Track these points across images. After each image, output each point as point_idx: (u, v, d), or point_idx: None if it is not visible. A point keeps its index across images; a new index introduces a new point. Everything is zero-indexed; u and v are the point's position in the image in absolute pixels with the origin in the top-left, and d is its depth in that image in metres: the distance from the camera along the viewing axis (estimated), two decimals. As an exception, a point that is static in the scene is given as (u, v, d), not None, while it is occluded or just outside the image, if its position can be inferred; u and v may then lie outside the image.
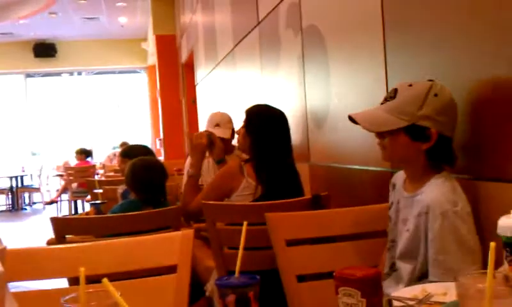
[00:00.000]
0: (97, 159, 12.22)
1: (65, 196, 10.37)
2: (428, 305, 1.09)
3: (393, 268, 1.63)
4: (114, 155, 10.56)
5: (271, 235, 1.74)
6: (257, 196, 2.50)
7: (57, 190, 11.00)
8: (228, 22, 5.35)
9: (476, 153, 1.65)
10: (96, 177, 7.74)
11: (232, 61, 5.27)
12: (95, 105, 15.23)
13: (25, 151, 14.60)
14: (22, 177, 11.78)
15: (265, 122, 2.61)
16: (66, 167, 9.87)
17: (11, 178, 11.41)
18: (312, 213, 1.94)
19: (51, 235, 2.33)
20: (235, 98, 5.29)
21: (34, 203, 12.11)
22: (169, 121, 10.41)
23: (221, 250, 2.38)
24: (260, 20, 4.08)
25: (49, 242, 2.45)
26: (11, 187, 11.43)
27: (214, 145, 3.07)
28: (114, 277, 1.28)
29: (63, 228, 2.32)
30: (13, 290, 1.25)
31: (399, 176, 1.70)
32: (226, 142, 3.43)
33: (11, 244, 1.21)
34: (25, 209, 11.76)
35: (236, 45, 5.01)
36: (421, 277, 1.51)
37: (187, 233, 1.50)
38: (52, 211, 10.40)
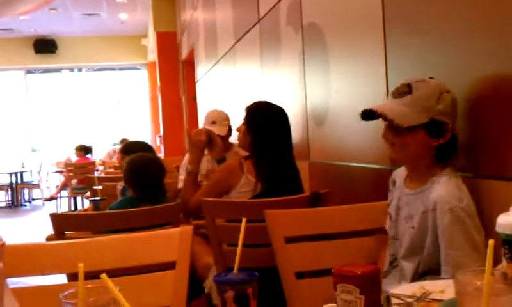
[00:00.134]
0: (97, 156, 12.22)
1: (65, 193, 10.37)
2: (426, 302, 1.09)
3: (393, 265, 1.63)
4: (114, 151, 10.56)
5: (270, 232, 1.74)
6: (257, 193, 2.50)
7: (57, 187, 11.01)
8: (229, 19, 5.35)
9: (477, 151, 1.65)
10: (96, 174, 7.75)
11: (233, 58, 5.27)
12: (95, 101, 15.22)
13: (25, 148, 14.61)
14: (21, 173, 11.78)
15: (266, 119, 2.61)
16: (66, 164, 9.87)
17: (10, 174, 11.41)
18: (311, 210, 1.94)
19: (50, 231, 2.33)
20: (235, 95, 5.29)
21: (34, 199, 12.11)
22: (169, 118, 10.40)
23: (220, 247, 2.39)
24: (260, 17, 4.07)
25: (49, 238, 2.45)
26: (11, 183, 11.44)
27: (213, 143, 3.07)
28: (113, 273, 1.28)
29: (62, 224, 2.32)
30: (12, 286, 1.25)
31: (399, 173, 1.70)
32: (223, 139, 3.44)
33: (10, 239, 1.21)
34: (25, 205, 11.76)
35: (237, 42, 5.01)
36: (424, 274, 1.51)
37: (186, 229, 1.50)
38: (52, 207, 10.40)
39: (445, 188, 1.48)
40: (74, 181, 9.44)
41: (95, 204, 2.98)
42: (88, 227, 2.46)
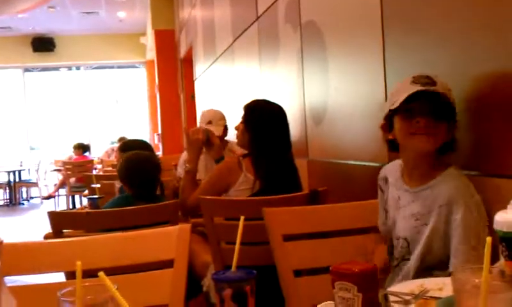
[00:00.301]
0: (95, 154, 12.21)
1: (63, 191, 10.36)
2: (424, 300, 1.09)
3: (398, 262, 1.61)
4: (112, 149, 10.55)
5: (268, 230, 1.74)
6: (255, 191, 2.50)
7: (55, 185, 11.00)
8: (227, 16, 5.34)
9: (479, 149, 1.64)
10: (94, 172, 7.73)
11: (231, 56, 5.27)
12: (94, 99, 15.20)
13: (23, 146, 14.59)
14: (20, 172, 11.76)
15: (264, 117, 2.61)
16: (64, 162, 9.86)
17: (9, 172, 11.40)
18: (309, 208, 1.94)
19: (49, 229, 2.33)
20: (233, 93, 5.29)
21: (32, 197, 12.10)
22: (167, 116, 10.40)
23: (219, 245, 2.39)
24: (259, 15, 4.07)
25: (46, 237, 2.45)
26: (9, 182, 11.42)
27: (211, 143, 3.08)
28: (111, 271, 1.28)
29: (60, 222, 2.32)
30: (10, 285, 1.25)
31: (390, 170, 1.69)
32: (219, 138, 3.45)
33: (8, 238, 1.21)
34: (23, 204, 11.75)
35: (235, 40, 5.00)
36: (428, 268, 1.50)
37: (184, 227, 1.50)
38: (50, 206, 10.39)
39: (456, 184, 1.48)
40: (72, 179, 9.42)
41: (93, 203, 2.97)
42: (86, 225, 2.46)
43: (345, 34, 2.61)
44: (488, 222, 1.44)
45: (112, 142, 12.57)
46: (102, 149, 12.42)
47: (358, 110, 2.50)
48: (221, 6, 5.76)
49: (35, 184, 11.58)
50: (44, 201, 11.21)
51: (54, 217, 2.29)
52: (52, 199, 10.79)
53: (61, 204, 10.49)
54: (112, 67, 15.35)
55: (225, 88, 5.75)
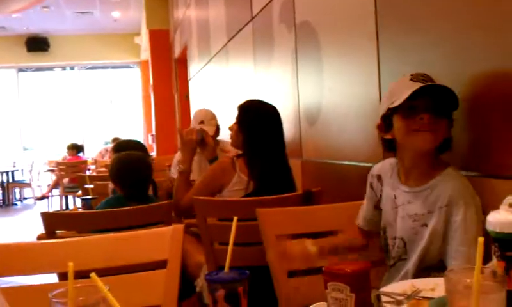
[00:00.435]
0: (89, 154, 12.18)
1: (56, 192, 10.33)
2: (416, 300, 1.09)
3: (395, 262, 1.60)
4: (106, 150, 10.53)
5: (262, 231, 1.74)
6: (249, 191, 2.50)
7: (49, 186, 10.96)
8: (222, 17, 5.34)
9: (473, 149, 1.64)
10: (87, 172, 7.72)
11: (225, 57, 5.26)
12: (88, 100, 15.16)
13: (16, 146, 14.53)
14: (13, 172, 11.72)
15: (258, 117, 2.61)
16: (58, 162, 9.83)
17: (2, 173, 11.35)
18: (303, 208, 1.95)
19: (42, 230, 2.32)
20: (228, 94, 5.29)
21: (25, 198, 12.06)
22: (161, 117, 10.38)
23: (212, 245, 2.38)
24: (253, 15, 4.07)
25: (39, 237, 2.44)
26: (2, 182, 11.38)
27: (205, 143, 3.08)
28: (104, 272, 1.28)
29: (53, 223, 2.31)
30: (3, 286, 1.25)
31: (384, 169, 1.68)
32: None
33: (1, 239, 1.20)
34: (16, 204, 11.71)
35: (229, 40, 5.00)
36: (426, 269, 1.50)
37: (177, 228, 1.50)
38: (43, 206, 10.35)
39: (457, 185, 1.47)
40: (66, 180, 9.40)
41: (86, 203, 2.96)
42: (79, 226, 2.45)
43: (339, 35, 2.62)
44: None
45: (106, 143, 12.54)
46: (96, 149, 12.40)
47: (352, 111, 2.50)
48: (215, 6, 5.76)
49: (28, 185, 11.54)
50: (37, 201, 11.17)
51: (47, 217, 2.28)
52: (46, 200, 10.75)
53: (54, 204, 10.46)
54: (106, 67, 15.32)
55: (220, 88, 5.75)
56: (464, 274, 0.82)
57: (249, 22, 4.20)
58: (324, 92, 2.80)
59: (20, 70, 14.70)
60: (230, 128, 2.73)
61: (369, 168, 2.22)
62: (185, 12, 8.04)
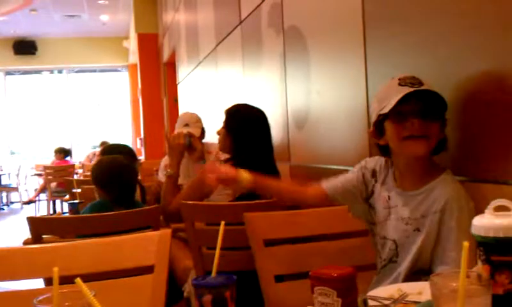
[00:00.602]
0: (77, 158, 12.11)
1: (44, 196, 10.26)
2: (403, 304, 1.10)
3: (385, 264, 1.60)
4: (94, 154, 10.46)
5: (249, 235, 1.74)
6: (237, 196, 2.50)
7: (36, 190, 10.89)
8: (211, 20, 5.34)
9: (463, 153, 1.64)
10: (75, 176, 7.67)
11: (214, 60, 5.26)
12: (76, 103, 15.09)
13: (3, 150, 14.42)
14: (0, 176, 11.63)
15: (245, 121, 2.61)
16: (45, 167, 9.77)
17: (-12, 177, 11.27)
18: (291, 213, 1.94)
19: (29, 234, 2.30)
20: (217, 98, 5.28)
21: (12, 202, 11.96)
22: (150, 121, 10.35)
23: (200, 250, 2.38)
24: (242, 19, 4.08)
25: (26, 242, 2.42)
26: (-11, 186, 11.30)
27: (193, 147, 3.07)
28: (91, 277, 1.27)
29: (40, 227, 2.29)
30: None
31: (378, 165, 1.66)
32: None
33: (-15, 243, 1.19)
34: (3, 209, 11.61)
35: (218, 44, 5.00)
36: (416, 272, 1.50)
37: (165, 233, 1.49)
38: (30, 211, 10.28)
39: (451, 191, 1.47)
40: (53, 184, 9.33)
41: (74, 208, 2.94)
42: (66, 230, 2.43)
43: (327, 39, 2.62)
44: None
45: (94, 147, 12.49)
46: (84, 153, 12.33)
47: (340, 114, 2.51)
48: (204, 10, 5.76)
49: (15, 189, 11.46)
50: (24, 206, 11.09)
51: (33, 222, 2.26)
52: (33, 204, 10.67)
53: (41, 209, 10.38)
54: (94, 71, 15.26)
55: (209, 92, 5.75)
56: (450, 278, 0.83)
57: (237, 26, 4.20)
58: (312, 96, 2.80)
59: (8, 73, 14.60)
60: (218, 133, 2.72)
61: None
62: (174, 16, 8.03)
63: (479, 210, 1.46)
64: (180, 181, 2.88)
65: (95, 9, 11.68)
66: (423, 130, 1.47)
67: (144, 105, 10.62)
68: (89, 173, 6.63)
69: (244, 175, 1.85)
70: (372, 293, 1.16)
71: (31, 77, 15.01)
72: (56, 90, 15.07)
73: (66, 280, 0.92)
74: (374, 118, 1.59)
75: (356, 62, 2.26)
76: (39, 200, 10.52)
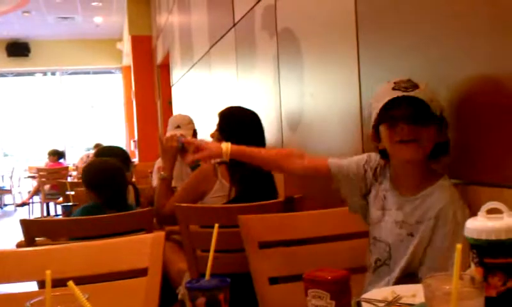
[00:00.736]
0: (70, 161, 12.08)
1: (37, 198, 10.22)
2: (397, 306, 1.10)
3: (377, 265, 1.60)
4: (88, 156, 10.44)
5: (244, 237, 1.74)
6: (231, 198, 2.50)
7: (29, 192, 10.84)
8: (204, 23, 5.34)
9: (457, 156, 1.63)
10: (69, 179, 7.65)
11: (208, 63, 5.26)
12: (69, 106, 15.04)
13: (-4, 152, 14.38)
14: (-7, 178, 11.60)
15: (238, 124, 2.61)
16: (39, 169, 9.73)
17: (-18, 179, 11.22)
18: (285, 215, 1.95)
19: (22, 237, 2.29)
20: (211, 100, 5.28)
21: (5, 205, 11.90)
22: (144, 123, 10.33)
23: (194, 253, 2.37)
24: (235, 22, 4.08)
25: (19, 245, 2.41)
26: (-18, 189, 11.25)
27: (186, 150, 3.06)
28: (84, 280, 1.27)
29: (33, 230, 2.29)
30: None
31: (380, 165, 1.65)
32: None
33: (-22, 246, 1.19)
34: (-4, 211, 11.58)
35: (212, 47, 5.00)
36: (408, 275, 1.49)
37: (158, 235, 1.49)
38: (24, 213, 10.23)
39: (449, 197, 1.46)
40: (47, 186, 9.30)
41: (67, 210, 2.93)
42: (59, 233, 2.42)
43: (320, 41, 2.63)
44: None
45: (88, 149, 12.45)
46: (77, 156, 12.30)
47: (334, 117, 2.52)
48: (198, 12, 5.75)
49: (9, 191, 11.41)
50: (18, 208, 11.04)
51: (26, 225, 2.25)
52: (26, 207, 10.63)
53: (35, 211, 10.34)
54: (88, 73, 15.22)
55: (202, 95, 5.74)
56: (443, 281, 0.83)
57: (231, 28, 4.20)
58: (306, 98, 2.81)
59: (0, 75, 14.54)
60: (212, 135, 2.72)
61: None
62: (168, 18, 8.02)
63: (475, 214, 1.47)
64: (173, 183, 2.87)
65: (89, 11, 11.65)
66: (413, 135, 1.46)
67: (138, 107, 10.60)
68: (82, 176, 6.59)
69: (225, 146, 1.84)
70: (366, 295, 1.16)
71: (24, 79, 14.95)
72: (49, 92, 15.01)
73: (60, 283, 0.92)
74: (372, 121, 1.58)
75: (349, 65, 2.27)
76: (32, 202, 10.48)
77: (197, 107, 5.97)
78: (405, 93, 1.45)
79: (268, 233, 1.80)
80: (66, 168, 9.66)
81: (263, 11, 3.44)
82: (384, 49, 2.03)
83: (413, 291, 1.16)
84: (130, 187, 3.05)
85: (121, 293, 1.45)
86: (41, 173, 9.40)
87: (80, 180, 5.32)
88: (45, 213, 9.38)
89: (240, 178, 2.52)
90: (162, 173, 2.75)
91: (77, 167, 9.64)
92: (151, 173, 4.71)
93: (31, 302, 0.86)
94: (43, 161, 11.16)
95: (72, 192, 3.48)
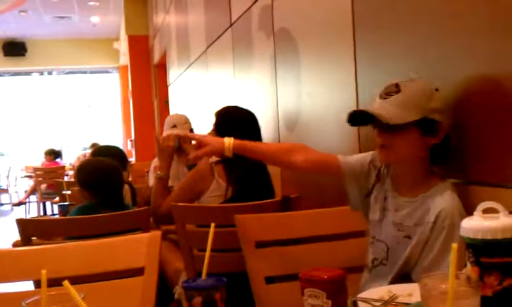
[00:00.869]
0: (67, 160, 12.06)
1: (34, 198, 10.21)
2: (393, 306, 1.10)
3: (374, 264, 1.60)
4: (84, 156, 10.42)
5: (240, 237, 1.74)
6: (228, 198, 2.50)
7: (26, 192, 10.83)
8: (201, 23, 5.34)
9: (456, 155, 1.64)
10: (65, 178, 7.64)
11: (205, 62, 5.26)
12: (66, 105, 15.01)
13: (-7, 152, 14.35)
14: (-11, 178, 11.57)
15: (235, 124, 2.61)
16: (35, 168, 9.72)
17: (-22, 178, 11.20)
18: (281, 215, 1.95)
19: (18, 237, 2.28)
20: (208, 100, 5.28)
21: (2, 204, 11.88)
22: (140, 122, 10.32)
23: (191, 252, 2.37)
24: (232, 21, 4.08)
25: (15, 244, 2.41)
26: (-21, 188, 11.23)
27: (182, 149, 3.07)
28: (80, 279, 1.27)
29: (29, 229, 2.28)
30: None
31: (383, 166, 1.65)
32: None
33: (-26, 246, 1.19)
34: (-7, 210, 11.55)
35: (209, 46, 5.00)
36: (403, 276, 1.49)
37: (155, 234, 1.49)
38: (21, 212, 10.21)
39: (448, 201, 1.45)
40: (43, 186, 9.29)
41: (63, 210, 2.93)
42: (55, 233, 2.42)
43: (317, 41, 2.63)
44: None
45: (85, 149, 12.44)
46: (74, 155, 12.28)
47: (331, 117, 2.52)
48: (195, 12, 5.75)
49: (5, 190, 11.39)
50: (14, 207, 11.02)
51: (22, 224, 2.25)
52: (23, 206, 10.61)
53: (32, 211, 10.32)
54: (85, 72, 15.19)
55: (199, 94, 5.74)
56: (439, 280, 0.83)
57: (228, 28, 4.20)
58: (303, 98, 2.81)
59: (-3, 74, 14.51)
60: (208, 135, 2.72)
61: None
62: (165, 18, 8.02)
63: (469, 213, 1.47)
64: (170, 183, 2.87)
65: (85, 10, 11.63)
66: (383, 141, 1.52)
67: (134, 106, 10.58)
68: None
69: (228, 141, 1.83)
70: (362, 294, 1.16)
71: (21, 78, 14.91)
72: (46, 92, 14.98)
73: (56, 282, 0.92)
74: None
75: (346, 64, 2.27)
76: (29, 202, 10.47)
77: (194, 107, 5.97)
78: (367, 108, 1.51)
79: (264, 232, 1.80)
80: (63, 167, 9.65)
81: (260, 11, 3.44)
82: (381, 49, 2.03)
83: (409, 291, 1.16)
84: (127, 187, 3.05)
85: (118, 293, 1.45)
86: (37, 173, 9.39)
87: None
88: (41, 213, 9.37)
89: (237, 178, 2.52)
90: (158, 172, 2.75)
91: (73, 166, 9.62)
92: (148, 172, 4.71)
93: (27, 301, 0.86)
94: (39, 160, 11.14)
95: (69, 192, 3.47)
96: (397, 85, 1.51)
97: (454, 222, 1.42)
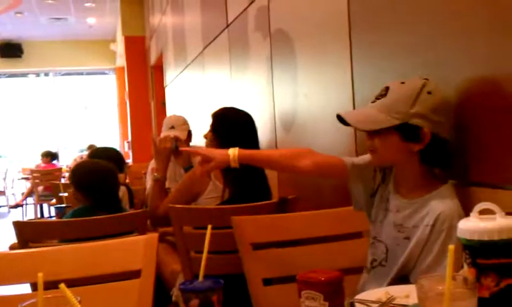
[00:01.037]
0: (64, 162, 12.04)
1: (31, 200, 10.18)
2: (391, 307, 1.10)
3: (373, 265, 1.60)
4: (81, 157, 10.40)
5: (237, 239, 1.74)
6: (224, 199, 2.50)
7: (23, 194, 10.80)
8: (198, 24, 5.34)
9: (457, 157, 1.63)
10: (62, 180, 7.63)
11: (202, 63, 5.26)
12: (62, 107, 14.99)
13: (-11, 154, 14.32)
14: (-14, 180, 11.54)
15: (232, 125, 2.61)
16: (32, 170, 9.70)
17: (-25, 180, 11.17)
18: (278, 216, 1.95)
19: (15, 239, 2.28)
20: (204, 101, 5.28)
21: (-1, 206, 11.88)
22: (137, 124, 10.31)
23: (188, 254, 2.37)
24: (229, 22, 4.08)
25: (12, 247, 2.40)
26: (-25, 190, 11.20)
27: (179, 151, 3.06)
28: (77, 282, 1.27)
29: (26, 232, 2.28)
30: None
31: (388, 168, 1.64)
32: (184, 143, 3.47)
33: (-30, 249, 1.18)
34: (-10, 213, 11.52)
35: (205, 47, 5.00)
36: (402, 277, 1.49)
37: (151, 237, 1.48)
38: (18, 215, 10.19)
39: (448, 205, 1.44)
40: (40, 188, 9.27)
41: (60, 212, 2.92)
42: (52, 235, 2.42)
43: (314, 42, 2.63)
44: None
45: (81, 150, 12.42)
46: (71, 157, 12.26)
47: (327, 117, 2.52)
48: (191, 13, 5.75)
49: (2, 193, 11.37)
50: (11, 210, 10.99)
51: (19, 226, 2.24)
52: (20, 208, 10.59)
53: (29, 213, 10.30)
54: (81, 73, 15.18)
55: (196, 95, 5.74)
56: (436, 281, 0.83)
57: (224, 29, 4.20)
58: (299, 98, 2.81)
59: (-7, 76, 14.49)
60: (205, 136, 2.72)
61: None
62: (161, 19, 8.01)
63: (466, 214, 1.47)
64: (167, 185, 2.87)
65: (82, 12, 11.62)
66: (369, 144, 1.54)
67: (131, 108, 10.57)
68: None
69: (233, 153, 1.83)
70: (359, 296, 1.16)
71: (17, 80, 14.90)
72: (43, 93, 14.96)
73: (52, 285, 0.91)
74: None
75: (342, 65, 2.27)
76: (26, 204, 10.44)
77: (191, 108, 5.96)
78: (341, 113, 1.55)
79: (261, 234, 1.80)
80: (60, 169, 9.63)
81: (256, 12, 3.44)
82: (377, 49, 2.03)
83: (406, 292, 1.16)
84: (124, 189, 3.05)
85: (114, 295, 1.44)
86: (34, 175, 9.37)
87: (73, 182, 5.29)
88: (38, 215, 9.34)
89: (234, 179, 2.52)
90: (155, 174, 2.75)
91: (70, 168, 9.60)
92: (145, 174, 4.71)
93: (24, 304, 0.86)
94: (36, 162, 11.12)
95: (65, 194, 3.47)
96: (387, 88, 1.51)
97: (453, 225, 1.40)
